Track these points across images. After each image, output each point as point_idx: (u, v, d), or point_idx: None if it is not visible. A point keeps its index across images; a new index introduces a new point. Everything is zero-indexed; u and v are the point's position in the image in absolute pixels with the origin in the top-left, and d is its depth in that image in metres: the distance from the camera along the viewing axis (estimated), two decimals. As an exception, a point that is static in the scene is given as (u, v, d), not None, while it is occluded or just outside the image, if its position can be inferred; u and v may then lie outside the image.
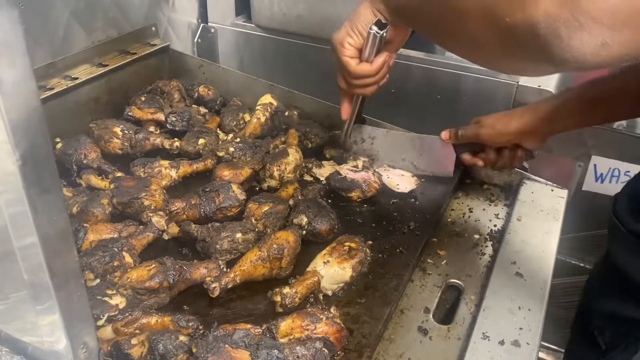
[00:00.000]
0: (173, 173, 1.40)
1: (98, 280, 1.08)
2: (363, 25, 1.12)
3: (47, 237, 0.67)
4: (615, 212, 1.31)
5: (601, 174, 1.99)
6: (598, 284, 1.44)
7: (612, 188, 1.98)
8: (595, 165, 1.97)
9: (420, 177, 1.48)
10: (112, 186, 1.29)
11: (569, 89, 1.26)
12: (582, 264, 2.16)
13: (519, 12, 0.66)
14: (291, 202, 1.32)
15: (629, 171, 1.95)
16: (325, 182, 1.43)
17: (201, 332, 0.99)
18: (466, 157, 1.41)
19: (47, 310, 0.74)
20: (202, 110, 1.71)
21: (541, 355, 2.18)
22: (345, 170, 1.43)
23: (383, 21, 1.11)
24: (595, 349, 1.35)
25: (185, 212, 1.27)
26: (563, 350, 2.15)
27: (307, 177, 1.48)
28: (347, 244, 1.16)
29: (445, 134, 1.40)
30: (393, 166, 1.51)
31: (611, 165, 1.94)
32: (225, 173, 1.38)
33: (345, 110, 1.34)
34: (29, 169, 0.62)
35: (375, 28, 1.11)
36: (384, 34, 1.12)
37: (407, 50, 1.80)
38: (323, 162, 1.52)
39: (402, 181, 1.45)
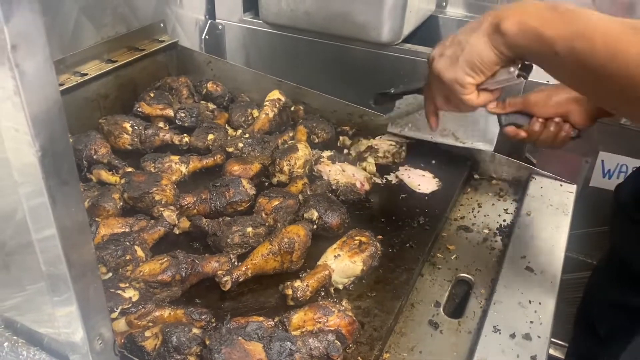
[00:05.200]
0: (183, 168, 1.41)
1: (110, 274, 1.09)
2: (486, 66, 1.00)
3: (66, 228, 0.68)
4: (618, 202, 1.32)
5: (609, 170, 1.98)
6: (601, 276, 1.45)
7: (620, 184, 1.98)
8: (602, 161, 1.97)
9: (439, 178, 1.48)
10: (123, 181, 1.30)
11: None
12: (589, 260, 2.16)
13: None
14: (300, 197, 1.32)
15: (636, 167, 1.95)
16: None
17: (214, 324, 1.00)
18: (510, 129, 1.33)
19: (64, 302, 0.74)
20: (211, 106, 1.72)
21: (548, 351, 2.19)
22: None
23: (526, 63, 1.00)
24: (596, 339, 1.36)
25: (196, 207, 1.28)
26: (567, 344, 2.16)
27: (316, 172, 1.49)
28: (357, 238, 1.17)
29: (492, 105, 1.30)
30: (414, 166, 1.53)
31: (619, 161, 1.93)
32: (235, 168, 1.38)
33: (435, 122, 1.27)
34: (49, 161, 0.62)
35: (519, 73, 1.01)
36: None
37: (414, 46, 1.80)
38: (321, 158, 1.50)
39: (423, 182, 1.46)
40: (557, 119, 1.26)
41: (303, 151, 1.44)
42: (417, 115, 1.49)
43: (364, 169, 1.48)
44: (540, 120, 1.27)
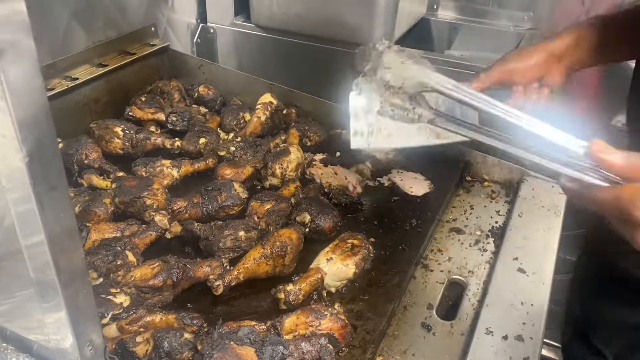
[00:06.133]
0: (175, 172, 1.40)
1: (101, 279, 1.08)
2: None
3: (54, 234, 0.67)
4: None
5: (600, 171, 1.99)
6: (594, 290, 1.43)
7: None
8: (593, 162, 1.97)
9: (431, 180, 1.48)
10: (114, 186, 1.29)
11: (580, 26, 1.19)
12: (580, 261, 2.17)
13: None
14: (293, 200, 1.32)
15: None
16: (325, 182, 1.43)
17: (206, 329, 0.99)
18: None
19: (53, 308, 0.74)
20: (203, 110, 1.72)
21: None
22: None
23: None
24: (592, 349, 1.34)
25: (188, 211, 1.28)
26: (559, 345, 2.17)
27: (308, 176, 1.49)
28: (349, 241, 1.17)
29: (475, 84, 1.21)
30: (406, 169, 1.52)
31: (610, 162, 1.94)
32: (227, 172, 1.38)
33: None
34: (36, 166, 0.62)
35: None
36: None
37: (407, 49, 1.80)
38: (313, 160, 1.52)
39: (415, 184, 1.46)
40: (535, 85, 1.20)
41: (295, 154, 1.44)
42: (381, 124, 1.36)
43: (361, 172, 1.48)
44: (520, 89, 1.20)
